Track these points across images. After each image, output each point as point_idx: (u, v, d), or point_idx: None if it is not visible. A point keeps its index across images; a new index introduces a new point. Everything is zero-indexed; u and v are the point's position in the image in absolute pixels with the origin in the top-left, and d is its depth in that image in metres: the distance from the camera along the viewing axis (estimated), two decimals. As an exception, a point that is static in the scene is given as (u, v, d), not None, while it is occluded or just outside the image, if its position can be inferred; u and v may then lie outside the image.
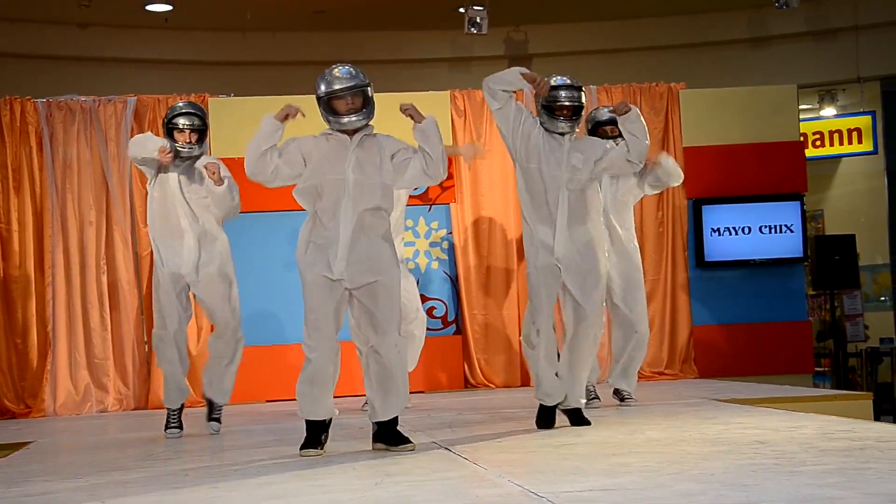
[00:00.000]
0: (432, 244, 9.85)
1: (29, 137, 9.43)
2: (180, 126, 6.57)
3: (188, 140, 6.58)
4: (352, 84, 5.31)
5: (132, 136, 9.44)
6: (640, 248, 8.40)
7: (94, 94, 9.66)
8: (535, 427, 6.02)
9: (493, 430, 6.10)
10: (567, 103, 5.99)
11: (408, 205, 8.17)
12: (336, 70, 5.38)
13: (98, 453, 6.06)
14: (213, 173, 6.44)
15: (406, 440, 5.34)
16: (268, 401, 9.17)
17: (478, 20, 11.64)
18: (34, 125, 9.44)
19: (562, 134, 6.00)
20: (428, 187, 9.81)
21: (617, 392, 7.35)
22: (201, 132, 6.64)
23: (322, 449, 5.36)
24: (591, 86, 10.18)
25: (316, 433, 5.38)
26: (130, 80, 11.82)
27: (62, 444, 6.98)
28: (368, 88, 5.38)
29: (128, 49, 12.50)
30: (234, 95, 9.94)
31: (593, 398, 7.26)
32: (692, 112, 10.15)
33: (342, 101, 5.32)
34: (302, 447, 5.35)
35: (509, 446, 5.37)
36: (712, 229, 10.02)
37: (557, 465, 4.52)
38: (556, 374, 6.04)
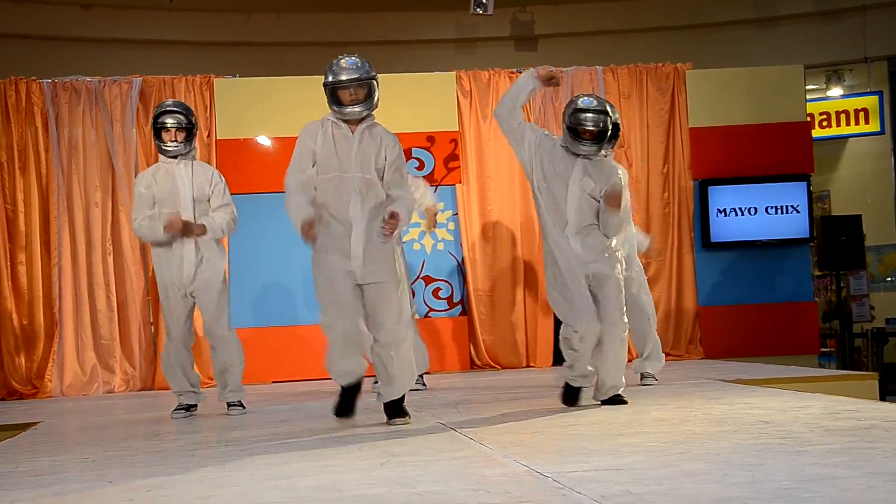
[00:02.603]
0: (438, 225, 9.81)
1: (34, 118, 9.43)
2: (167, 125, 6.64)
3: (174, 139, 6.65)
4: (356, 76, 5.46)
5: (137, 117, 9.48)
6: (646, 229, 8.31)
7: (99, 75, 9.65)
8: (546, 406, 6.09)
9: (498, 410, 6.11)
10: (591, 127, 5.91)
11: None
12: (343, 61, 5.55)
13: (105, 433, 6.08)
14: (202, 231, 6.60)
15: (403, 413, 5.62)
16: (274, 381, 9.19)
17: (483, 0, 11.59)
18: (39, 106, 9.43)
19: (583, 156, 5.94)
20: (433, 168, 9.82)
21: (644, 375, 7.32)
22: (188, 130, 6.69)
23: (353, 416, 5.61)
24: (597, 66, 10.16)
25: (349, 398, 5.62)
26: (135, 61, 11.78)
27: (69, 424, 7.00)
28: (373, 81, 5.51)
29: (132, 30, 12.46)
30: (239, 76, 9.94)
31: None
32: (698, 93, 10.12)
33: (346, 92, 5.48)
34: (336, 413, 5.62)
35: (515, 426, 5.37)
36: (718, 210, 10.00)
37: (563, 446, 4.52)
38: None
